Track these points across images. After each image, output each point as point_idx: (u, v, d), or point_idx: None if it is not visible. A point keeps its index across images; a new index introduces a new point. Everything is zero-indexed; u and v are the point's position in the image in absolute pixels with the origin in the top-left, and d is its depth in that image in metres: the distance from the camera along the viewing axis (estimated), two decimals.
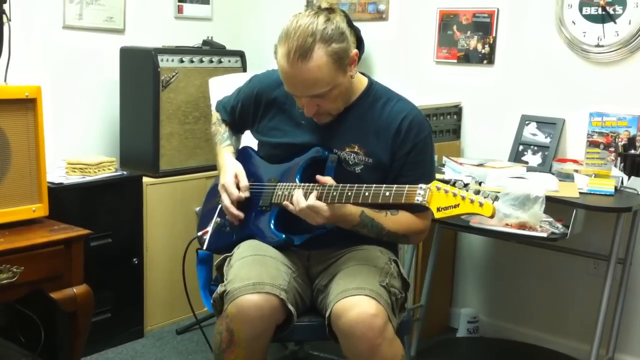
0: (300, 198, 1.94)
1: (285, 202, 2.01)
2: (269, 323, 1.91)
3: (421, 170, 2.03)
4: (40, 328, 2.68)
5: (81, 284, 2.41)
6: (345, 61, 1.95)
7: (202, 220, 2.31)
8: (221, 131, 2.34)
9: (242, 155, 2.31)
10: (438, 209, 1.75)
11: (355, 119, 2.08)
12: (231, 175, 2.16)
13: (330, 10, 1.97)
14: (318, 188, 1.95)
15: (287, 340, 2.62)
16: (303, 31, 1.89)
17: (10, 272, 2.21)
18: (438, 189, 1.76)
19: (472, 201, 1.70)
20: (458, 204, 1.72)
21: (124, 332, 3.11)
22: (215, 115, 2.40)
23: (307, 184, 2.00)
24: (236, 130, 2.37)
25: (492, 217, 1.71)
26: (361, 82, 2.11)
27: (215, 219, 2.20)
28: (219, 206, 2.20)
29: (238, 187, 2.14)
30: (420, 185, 1.80)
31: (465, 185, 1.75)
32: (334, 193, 1.92)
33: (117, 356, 3.01)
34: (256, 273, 1.93)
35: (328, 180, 1.98)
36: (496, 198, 1.71)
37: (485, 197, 1.70)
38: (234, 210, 2.12)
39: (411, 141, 2.03)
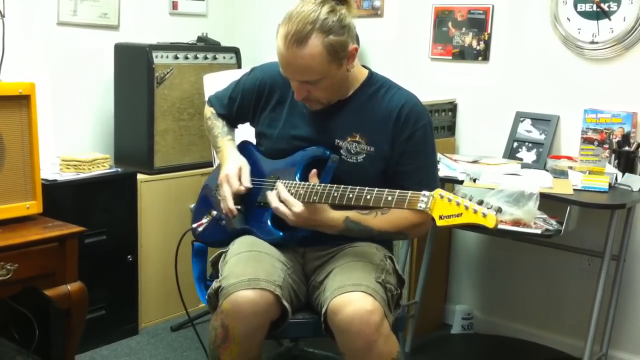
0: (272, 196, 1.96)
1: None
2: (264, 319, 1.90)
3: (422, 160, 2.03)
4: (34, 325, 2.67)
5: (75, 281, 2.40)
6: (341, 54, 1.94)
7: (197, 212, 2.30)
8: (219, 125, 2.32)
9: (242, 150, 2.30)
10: (440, 217, 1.73)
11: (356, 108, 2.08)
12: (235, 167, 2.14)
13: (341, 1, 1.97)
14: (319, 187, 1.94)
15: (282, 337, 2.62)
16: (304, 17, 1.89)
17: (4, 270, 2.20)
18: (442, 197, 1.74)
19: (475, 211, 1.68)
20: (461, 213, 1.70)
21: (118, 329, 3.11)
22: (210, 110, 2.37)
23: (305, 183, 1.99)
24: (231, 124, 2.35)
25: (494, 228, 1.69)
26: (362, 73, 2.12)
27: (212, 211, 2.19)
28: (216, 199, 2.19)
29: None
30: (423, 192, 1.78)
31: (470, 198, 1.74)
32: (335, 194, 1.90)
33: (111, 353, 3.00)
34: (251, 269, 1.92)
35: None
36: (499, 210, 1.69)
37: (488, 209, 1.69)
38: (230, 203, 2.09)
39: (410, 128, 2.03)
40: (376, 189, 1.86)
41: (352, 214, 1.99)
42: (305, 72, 1.94)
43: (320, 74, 1.94)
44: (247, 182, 2.11)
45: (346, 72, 2.01)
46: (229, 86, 2.34)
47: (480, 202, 1.70)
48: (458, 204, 1.71)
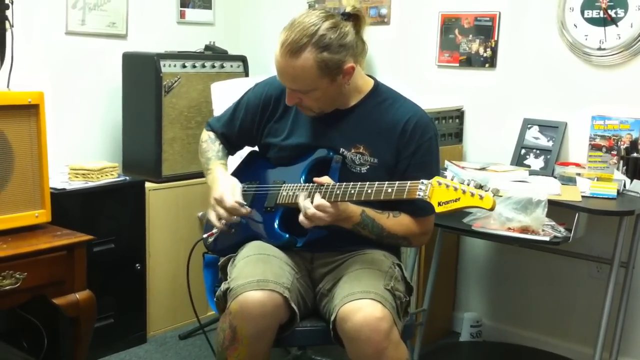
0: (307, 204, 1.92)
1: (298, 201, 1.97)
2: (272, 321, 1.90)
3: (427, 172, 2.02)
4: (43, 334, 2.68)
5: (84, 290, 2.41)
6: (334, 71, 1.96)
7: (207, 224, 2.31)
8: (214, 148, 2.29)
9: (249, 159, 2.32)
10: (439, 204, 1.75)
11: (360, 119, 2.09)
12: (226, 188, 2.09)
13: (349, 16, 1.99)
14: (321, 188, 1.94)
15: (291, 345, 2.61)
16: (303, 28, 1.91)
17: (13, 278, 2.21)
18: (439, 184, 1.76)
19: (472, 194, 1.71)
20: (459, 198, 1.72)
21: (126, 338, 3.11)
22: (207, 134, 2.34)
23: (310, 185, 2.00)
24: (230, 146, 2.33)
25: (491, 209, 1.71)
26: (367, 84, 2.12)
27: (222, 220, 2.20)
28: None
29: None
30: (422, 180, 1.80)
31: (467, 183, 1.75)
32: (337, 192, 1.91)
33: None
34: (260, 271, 1.93)
35: (325, 179, 1.97)
36: (497, 191, 1.72)
37: (486, 191, 1.70)
38: (232, 217, 2.07)
39: (416, 142, 2.04)
40: (376, 182, 1.88)
41: (367, 209, 1.99)
42: (295, 81, 1.97)
43: (309, 86, 1.97)
44: (238, 196, 2.07)
45: (340, 87, 2.02)
46: (229, 107, 2.33)
47: (479, 186, 1.71)
48: (456, 189, 1.73)
